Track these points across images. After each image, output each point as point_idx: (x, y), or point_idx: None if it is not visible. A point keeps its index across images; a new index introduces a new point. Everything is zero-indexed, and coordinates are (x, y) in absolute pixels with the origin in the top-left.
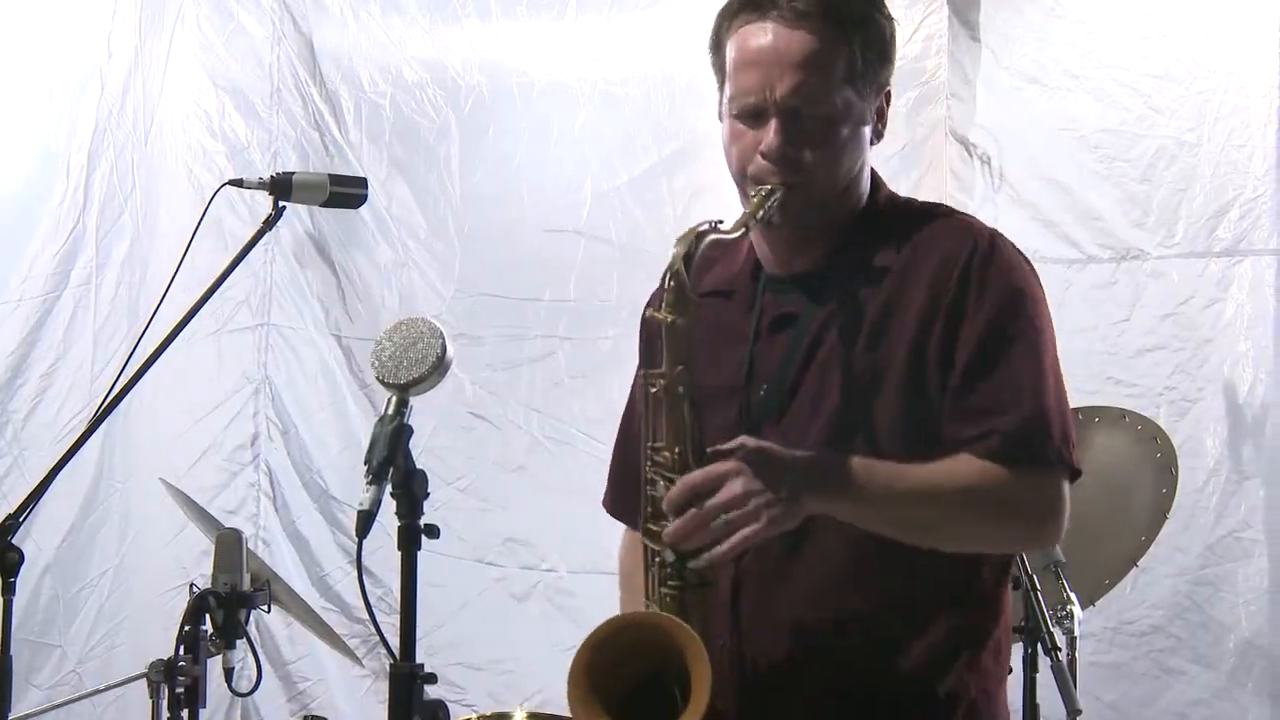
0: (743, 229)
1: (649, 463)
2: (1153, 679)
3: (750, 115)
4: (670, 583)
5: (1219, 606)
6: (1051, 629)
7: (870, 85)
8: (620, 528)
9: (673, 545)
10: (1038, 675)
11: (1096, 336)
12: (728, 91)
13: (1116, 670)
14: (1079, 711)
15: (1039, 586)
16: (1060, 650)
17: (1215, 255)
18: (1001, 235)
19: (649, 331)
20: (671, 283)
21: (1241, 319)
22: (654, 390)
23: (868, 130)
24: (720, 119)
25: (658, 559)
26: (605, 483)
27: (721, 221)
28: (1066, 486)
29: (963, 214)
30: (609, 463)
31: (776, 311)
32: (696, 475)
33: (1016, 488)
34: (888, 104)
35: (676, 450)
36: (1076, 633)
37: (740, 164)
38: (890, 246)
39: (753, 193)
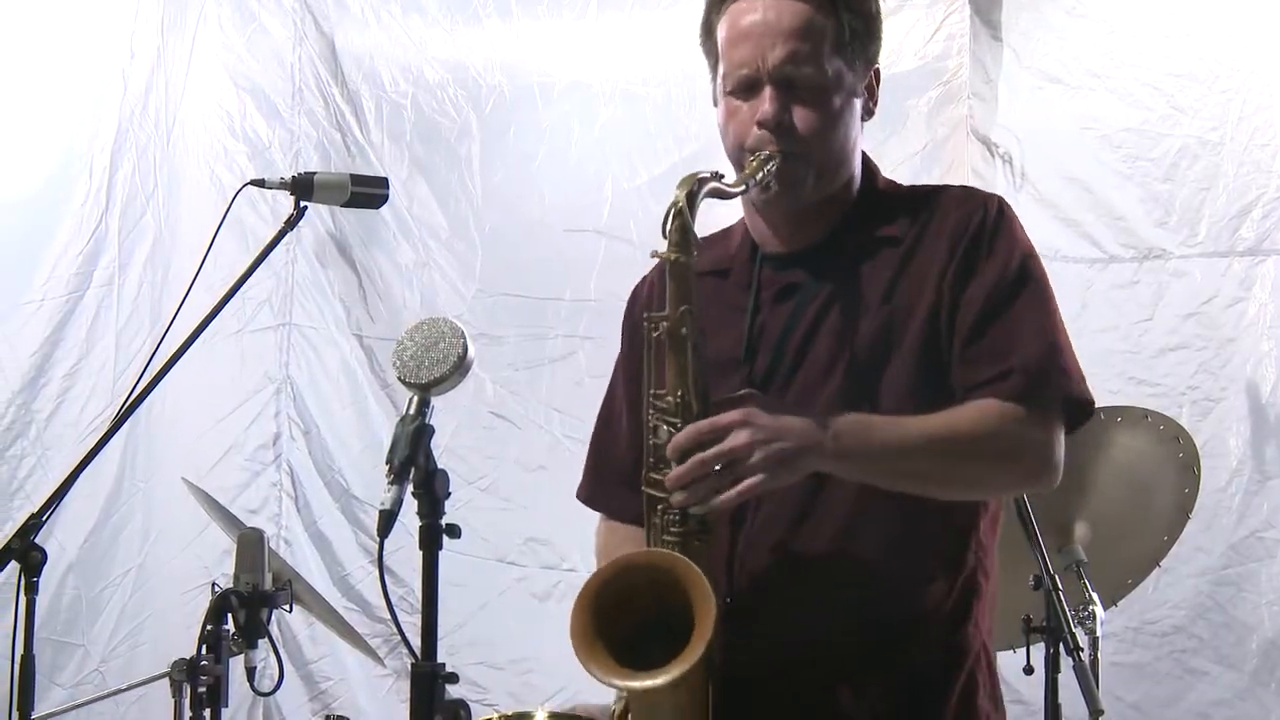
0: (741, 187)
1: (651, 409)
2: (1175, 679)
3: (744, 88)
4: (672, 529)
5: (1242, 606)
6: (1074, 629)
7: (859, 58)
8: None
9: (674, 490)
10: (1060, 675)
11: (1118, 336)
12: (721, 70)
13: (1139, 670)
14: (1101, 712)
15: (1061, 586)
16: (1082, 650)
17: (1238, 255)
18: (1006, 201)
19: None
20: (675, 221)
21: (1264, 318)
22: (656, 334)
23: (859, 104)
24: (715, 104)
25: (659, 506)
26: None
27: (723, 175)
28: (1062, 430)
29: (966, 186)
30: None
31: (778, 284)
32: (703, 423)
33: (1018, 430)
34: (877, 82)
35: (679, 394)
36: (1099, 633)
37: (737, 138)
38: (895, 220)
39: (750, 159)
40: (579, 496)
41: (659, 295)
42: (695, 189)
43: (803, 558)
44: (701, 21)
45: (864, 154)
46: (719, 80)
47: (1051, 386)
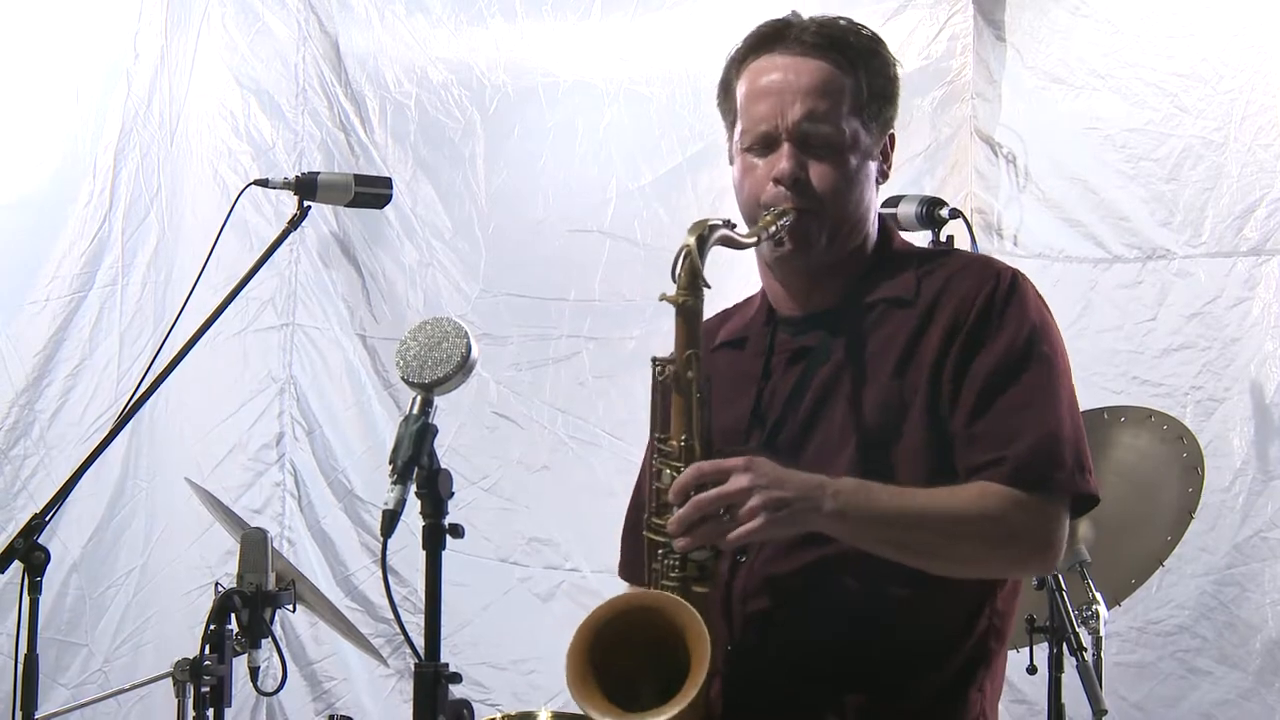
0: (753, 239)
1: (655, 455)
2: (1179, 679)
3: (762, 145)
4: (672, 574)
5: (1245, 606)
6: (1077, 629)
7: (875, 121)
8: None
9: (675, 536)
10: (1063, 675)
11: (1122, 336)
12: (739, 128)
13: (1142, 670)
14: (1105, 711)
15: (1064, 586)
16: (1086, 650)
17: (1242, 254)
18: (1022, 274)
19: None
20: (685, 263)
21: (1268, 318)
22: (662, 378)
23: (874, 166)
24: (731, 162)
25: (660, 551)
26: (624, 509)
27: (735, 224)
28: (1067, 517)
29: (983, 255)
30: (621, 531)
31: (791, 349)
32: (706, 464)
33: (1017, 515)
34: (892, 147)
35: (683, 438)
36: (1102, 633)
37: (753, 194)
38: (910, 282)
39: (765, 214)
40: (619, 574)
41: None
42: (706, 234)
43: (803, 608)
44: (720, 80)
45: (880, 216)
46: (736, 138)
47: (1046, 479)
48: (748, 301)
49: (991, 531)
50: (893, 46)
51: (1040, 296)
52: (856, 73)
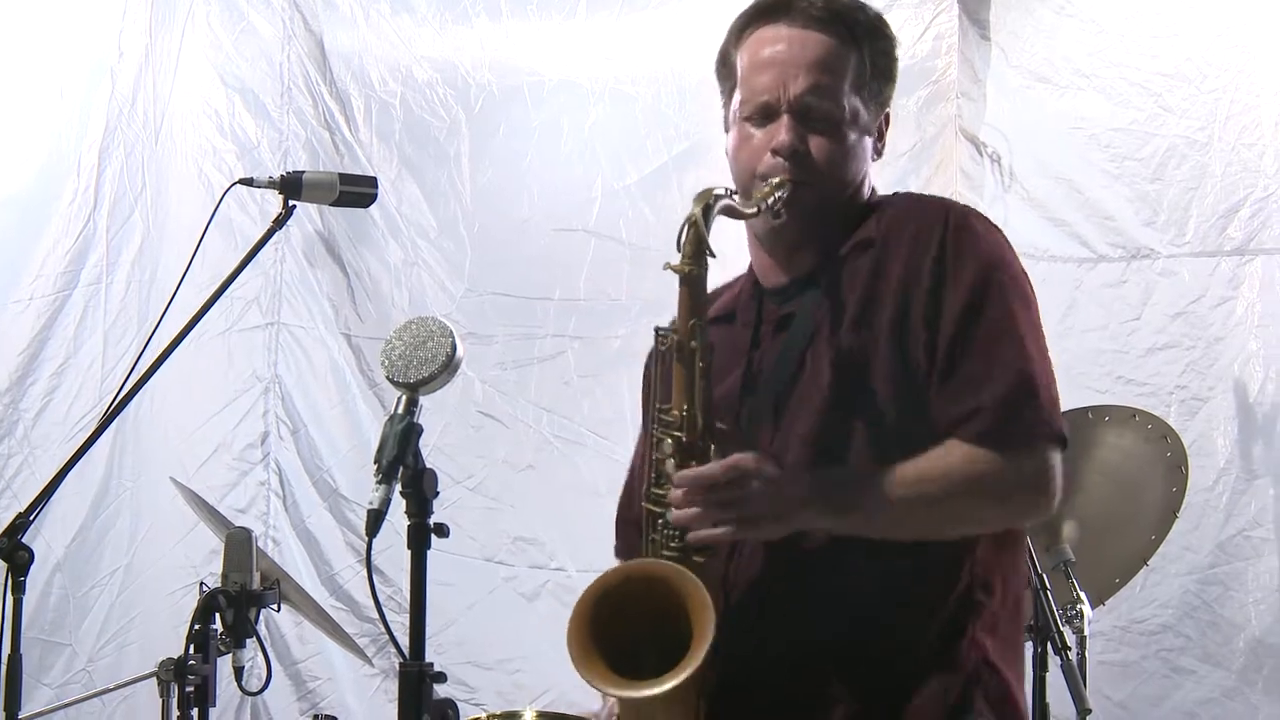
0: (753, 209)
1: (656, 424)
2: (1162, 678)
3: (761, 115)
4: (672, 544)
5: (1229, 605)
6: (1061, 628)
7: (874, 99)
8: None
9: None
10: (1048, 674)
11: (1107, 335)
12: (738, 97)
13: (1126, 669)
14: (1089, 710)
15: (1049, 585)
16: (1070, 649)
17: (1226, 254)
18: (974, 210)
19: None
20: (690, 233)
21: (1252, 318)
22: (664, 348)
23: (870, 143)
24: (726, 130)
25: (659, 522)
26: (613, 506)
27: (736, 191)
28: (1057, 457)
29: (935, 196)
30: (615, 510)
31: (778, 315)
32: (717, 466)
33: (1007, 472)
34: (887, 126)
35: (684, 408)
36: (1086, 632)
37: (749, 164)
38: (872, 223)
39: (762, 184)
40: (616, 556)
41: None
42: (711, 204)
43: (793, 569)
44: (720, 48)
45: (874, 191)
46: (734, 106)
47: (1023, 421)
48: (735, 280)
49: (986, 496)
50: None
51: (993, 227)
52: (860, 49)
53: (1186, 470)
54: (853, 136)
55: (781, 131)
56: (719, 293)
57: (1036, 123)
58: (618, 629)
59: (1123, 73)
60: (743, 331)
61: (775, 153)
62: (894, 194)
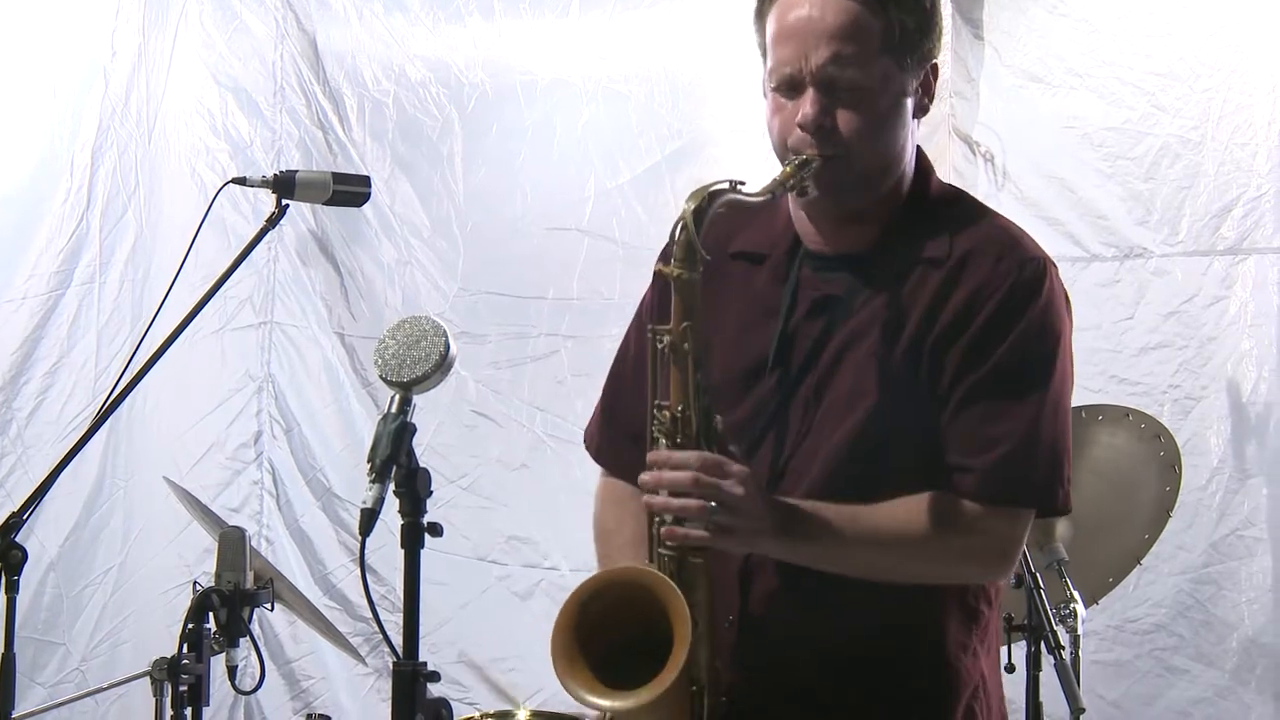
0: (767, 195)
1: (653, 421)
2: (1156, 677)
3: (788, 87)
4: (668, 543)
5: (1222, 605)
6: (1055, 627)
7: (912, 56)
8: None
9: (659, 507)
10: (1041, 674)
11: (1100, 335)
12: (768, 65)
13: (1119, 669)
14: (1082, 710)
15: (1042, 585)
16: (1063, 649)
17: (1219, 253)
18: (1050, 264)
19: (659, 285)
20: (681, 236)
21: (1245, 317)
22: (660, 346)
23: (910, 103)
24: (764, 96)
25: (658, 518)
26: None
27: (743, 183)
28: (1026, 527)
29: (1017, 229)
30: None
31: (817, 292)
32: (710, 456)
33: (971, 535)
34: (934, 77)
35: (680, 409)
36: (1080, 631)
37: (781, 136)
38: (943, 238)
39: (788, 162)
40: (586, 445)
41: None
42: (705, 204)
43: (804, 580)
44: (755, 8)
45: (919, 152)
46: (766, 74)
47: (1011, 494)
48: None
49: (942, 553)
50: None
51: (1060, 290)
52: (887, 10)
53: (1180, 469)
54: (884, 103)
55: (806, 104)
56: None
57: (1030, 122)
58: (603, 636)
59: (1116, 72)
60: (771, 285)
61: (801, 127)
62: (962, 200)
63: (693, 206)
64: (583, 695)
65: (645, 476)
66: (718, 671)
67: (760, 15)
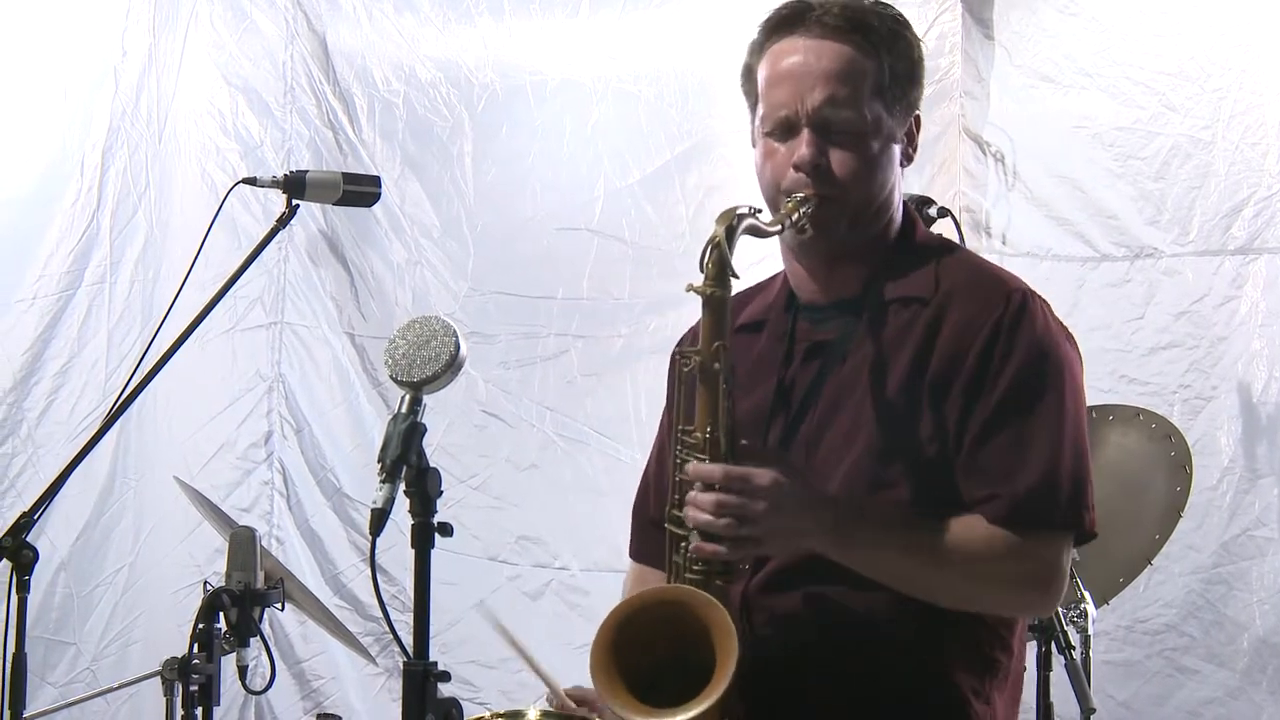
0: (779, 226)
1: (679, 445)
2: (1166, 677)
3: (782, 129)
4: (695, 567)
5: (1233, 605)
6: (1065, 627)
7: (899, 104)
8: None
9: (691, 512)
10: (1051, 674)
11: (1110, 335)
12: (760, 112)
13: (1130, 669)
14: (1093, 710)
15: None
16: (1074, 649)
17: (1229, 253)
18: (1035, 295)
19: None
20: (713, 255)
21: (1256, 317)
22: (687, 369)
23: (897, 149)
24: (753, 145)
25: (682, 544)
26: (635, 483)
27: (761, 211)
28: (1068, 549)
29: (999, 269)
30: (622, 509)
31: (811, 339)
32: (737, 470)
33: (1018, 558)
34: (918, 128)
35: (708, 430)
36: (1090, 631)
37: (774, 179)
38: (928, 278)
39: (786, 200)
40: (629, 554)
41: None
42: (734, 224)
43: (812, 614)
44: (743, 64)
45: (905, 204)
46: (757, 121)
47: (1042, 519)
48: (769, 283)
49: (993, 574)
50: None
51: (1052, 316)
52: (879, 55)
53: (1190, 469)
54: (876, 145)
55: (802, 146)
56: (750, 295)
57: (1040, 122)
58: (641, 655)
59: (1126, 72)
60: (773, 345)
61: (797, 168)
62: (947, 245)
63: (724, 227)
64: (627, 714)
65: (692, 515)
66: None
67: (749, 70)
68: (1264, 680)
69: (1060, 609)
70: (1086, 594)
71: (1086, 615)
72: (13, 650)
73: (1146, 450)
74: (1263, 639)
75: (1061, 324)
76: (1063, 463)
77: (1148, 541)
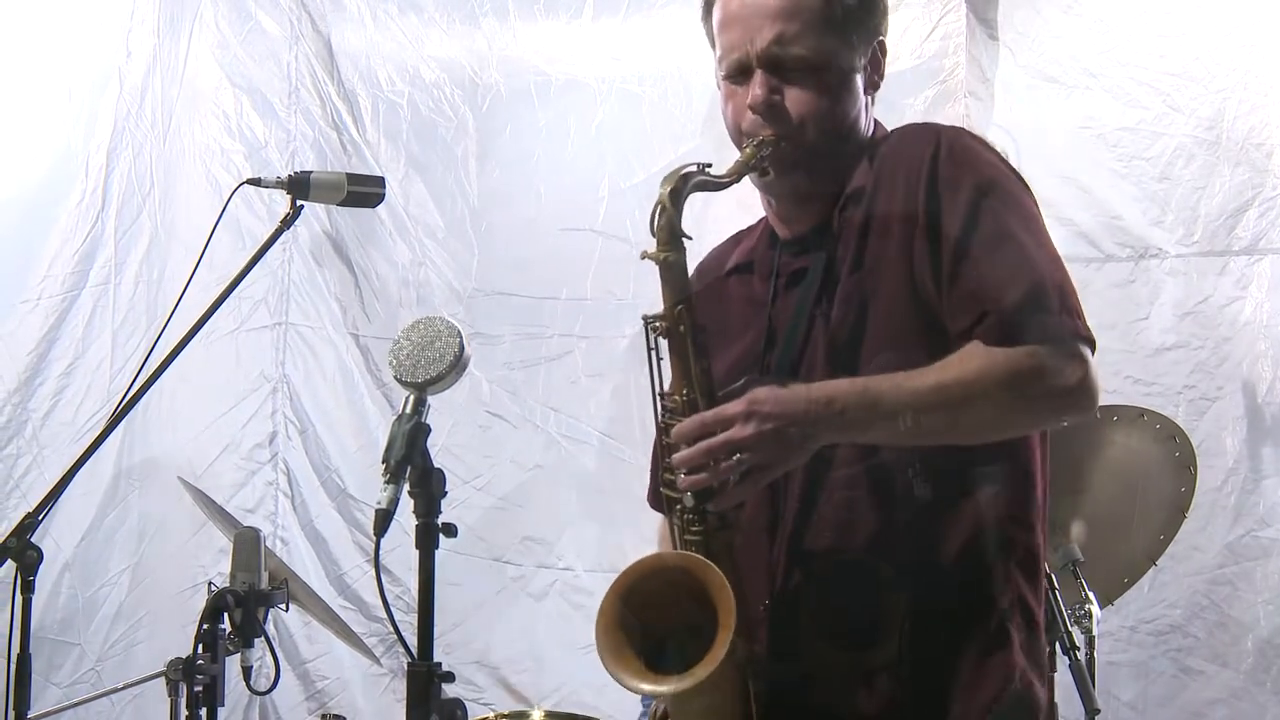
0: (732, 178)
1: (663, 411)
2: (1171, 678)
3: (737, 72)
4: (693, 529)
5: (1237, 605)
6: (1070, 628)
7: (857, 31)
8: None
9: (686, 486)
10: (1056, 674)
11: (1115, 335)
12: (717, 55)
13: (1135, 669)
14: (1098, 711)
15: (1057, 585)
16: (1079, 649)
17: (1234, 254)
18: (965, 129)
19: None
20: (661, 219)
21: (1260, 317)
22: (655, 334)
23: (859, 79)
24: (718, 87)
25: (678, 507)
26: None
27: (710, 165)
28: (1086, 352)
29: (928, 122)
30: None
31: (791, 269)
32: (707, 414)
33: (1027, 364)
34: (883, 54)
35: (684, 392)
36: (1095, 632)
37: (734, 122)
38: (866, 168)
39: (745, 144)
40: (648, 500)
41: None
42: (679, 185)
43: (839, 561)
44: (702, 5)
45: (879, 126)
46: (716, 64)
47: (1037, 322)
48: (754, 226)
49: (1004, 391)
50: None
51: (987, 144)
52: None
53: (1195, 470)
54: (832, 79)
55: (755, 86)
56: (740, 237)
57: (1044, 122)
58: (648, 624)
59: (1130, 72)
60: (760, 284)
61: (751, 109)
62: (895, 130)
63: (669, 189)
64: (634, 684)
65: (684, 480)
66: (756, 655)
67: (707, 10)
68: (1268, 681)
69: (1065, 609)
70: (1091, 594)
71: (1091, 615)
72: (17, 651)
73: (1151, 451)
74: (1267, 639)
75: (998, 152)
76: (1041, 268)
77: (1152, 542)
